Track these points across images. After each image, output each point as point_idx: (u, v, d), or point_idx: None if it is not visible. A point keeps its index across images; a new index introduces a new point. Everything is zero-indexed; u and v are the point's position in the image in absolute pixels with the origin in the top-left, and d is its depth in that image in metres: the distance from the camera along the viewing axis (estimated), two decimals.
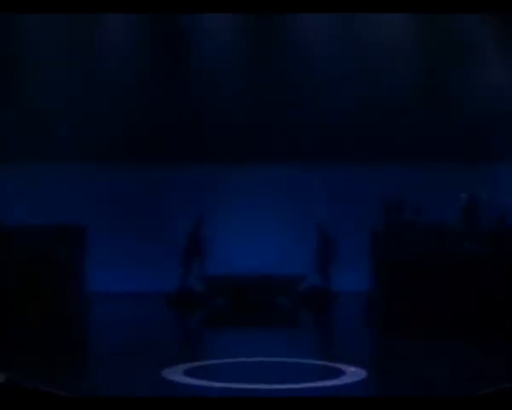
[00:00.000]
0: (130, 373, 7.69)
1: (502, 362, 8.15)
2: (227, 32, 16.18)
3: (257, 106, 16.42)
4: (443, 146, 16.16)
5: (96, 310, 12.12)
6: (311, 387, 6.82)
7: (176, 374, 7.41)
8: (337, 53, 16.14)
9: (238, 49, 16.38)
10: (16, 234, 11.25)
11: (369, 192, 15.30)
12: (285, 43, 16.36)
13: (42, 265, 10.77)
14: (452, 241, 11.22)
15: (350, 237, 14.82)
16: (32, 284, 10.61)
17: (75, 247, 11.40)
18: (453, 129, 16.16)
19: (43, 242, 11.16)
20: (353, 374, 7.37)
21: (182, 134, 16.42)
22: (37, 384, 5.23)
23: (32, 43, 15.74)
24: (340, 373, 7.43)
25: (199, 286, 14.72)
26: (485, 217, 12.51)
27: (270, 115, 16.43)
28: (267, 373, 7.79)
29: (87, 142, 15.66)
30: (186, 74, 16.30)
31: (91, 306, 11.91)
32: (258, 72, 16.41)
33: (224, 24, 16.08)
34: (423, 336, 9.65)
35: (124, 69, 16.08)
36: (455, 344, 9.29)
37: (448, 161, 16.26)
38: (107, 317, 12.65)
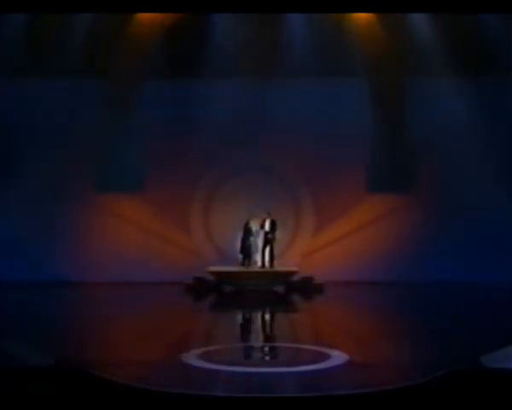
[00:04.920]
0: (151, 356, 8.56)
1: None
2: None
3: None
4: None
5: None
6: (303, 370, 7.65)
7: (190, 358, 8.17)
8: None
9: None
10: None
11: None
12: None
13: None
14: None
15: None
16: None
17: None
18: None
19: None
20: (337, 358, 8.24)
21: None
22: (86, 367, 6.12)
23: None
24: (326, 357, 8.28)
25: (211, 277, 16.40)
26: None
27: None
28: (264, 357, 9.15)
29: None
30: None
31: None
32: None
33: None
34: None
35: None
36: None
37: None
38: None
